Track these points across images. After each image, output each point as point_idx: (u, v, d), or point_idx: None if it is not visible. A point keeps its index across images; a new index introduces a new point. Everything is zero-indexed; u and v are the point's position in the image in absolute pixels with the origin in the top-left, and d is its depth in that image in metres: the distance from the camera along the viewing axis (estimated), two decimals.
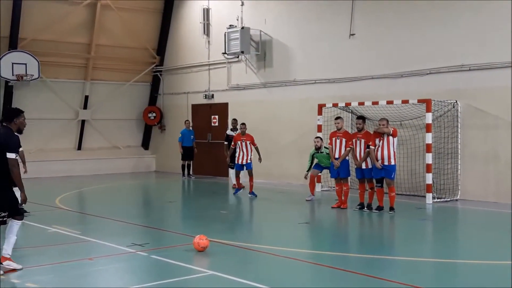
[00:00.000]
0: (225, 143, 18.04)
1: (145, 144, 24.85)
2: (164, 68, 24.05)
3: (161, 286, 7.10)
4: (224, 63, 21.21)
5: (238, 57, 20.45)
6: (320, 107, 16.81)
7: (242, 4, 20.38)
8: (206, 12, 21.81)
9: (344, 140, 13.29)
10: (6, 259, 7.72)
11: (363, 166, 12.87)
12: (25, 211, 8.04)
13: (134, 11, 23.00)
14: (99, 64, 22.92)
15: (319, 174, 15.17)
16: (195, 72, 22.65)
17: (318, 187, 16.02)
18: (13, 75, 19.97)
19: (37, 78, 20.55)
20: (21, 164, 9.97)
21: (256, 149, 15.93)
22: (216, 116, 21.85)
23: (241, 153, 15.69)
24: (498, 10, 14.15)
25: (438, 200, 14.41)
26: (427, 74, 15.47)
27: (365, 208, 12.97)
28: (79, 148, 23.03)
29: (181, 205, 15.87)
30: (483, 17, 14.44)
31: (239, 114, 19.45)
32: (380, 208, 12.76)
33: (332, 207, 13.44)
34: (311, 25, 18.37)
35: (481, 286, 7.16)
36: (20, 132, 7.92)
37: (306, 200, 14.56)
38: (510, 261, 8.15)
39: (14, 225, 7.81)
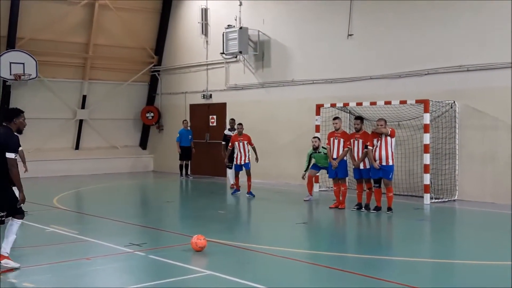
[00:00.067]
0: (223, 143, 18.07)
1: (143, 144, 24.84)
2: (162, 68, 24.04)
3: (159, 286, 7.10)
4: (222, 63, 21.20)
5: (236, 57, 20.45)
6: (318, 107, 16.82)
7: (240, 4, 20.38)
8: (204, 12, 21.81)
9: (342, 140, 13.29)
10: (5, 257, 7.73)
11: (361, 167, 12.88)
12: (23, 211, 8.04)
13: (132, 11, 22.98)
14: (97, 64, 22.90)
15: (317, 174, 15.17)
16: (193, 72, 22.65)
17: (316, 187, 16.02)
18: (11, 74, 19.94)
19: (35, 77, 20.52)
20: (21, 164, 9.98)
21: (253, 149, 15.96)
22: (214, 116, 21.85)
23: (239, 154, 15.72)
24: (496, 11, 14.17)
25: (436, 200, 14.42)
26: (425, 74, 15.49)
27: (363, 209, 12.98)
28: (77, 147, 23.01)
29: (179, 205, 15.86)
30: (480, 18, 14.45)
31: (237, 114, 19.45)
32: (378, 209, 12.78)
33: (330, 207, 13.44)
34: (309, 26, 18.38)
35: (479, 287, 7.17)
36: (20, 132, 7.93)
37: (304, 200, 14.57)
38: (508, 262, 8.16)
39: (14, 224, 7.83)
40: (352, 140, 13.14)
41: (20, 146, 8.16)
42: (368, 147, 12.60)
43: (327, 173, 14.22)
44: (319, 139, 14.63)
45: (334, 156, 13.34)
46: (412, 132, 15.45)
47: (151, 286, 7.12)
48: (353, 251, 9.53)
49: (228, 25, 20.09)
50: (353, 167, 13.23)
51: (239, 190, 16.12)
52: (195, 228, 10.82)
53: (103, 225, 11.69)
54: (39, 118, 21.21)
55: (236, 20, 20.33)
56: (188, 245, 8.90)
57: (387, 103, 15.13)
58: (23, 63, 20.14)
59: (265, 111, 19.64)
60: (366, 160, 12.78)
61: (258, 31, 19.72)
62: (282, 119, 19.12)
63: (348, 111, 16.66)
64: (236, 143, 15.80)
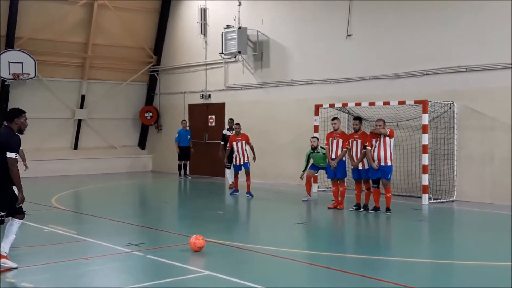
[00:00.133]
0: (222, 143, 18.08)
1: (142, 144, 24.83)
2: (161, 68, 24.03)
3: (157, 286, 7.09)
4: (221, 63, 21.20)
5: (235, 57, 20.45)
6: (317, 107, 16.82)
7: (240, 4, 20.38)
8: (203, 12, 21.81)
9: (340, 140, 13.29)
10: (3, 257, 7.71)
11: (360, 167, 12.88)
12: (23, 211, 8.04)
13: (131, 11, 22.97)
14: (95, 64, 22.90)
15: (315, 174, 15.17)
16: (192, 72, 22.64)
17: (314, 188, 16.02)
18: (9, 74, 19.93)
19: (34, 77, 20.52)
20: (20, 163, 9.97)
21: (251, 148, 15.99)
22: (213, 116, 21.85)
23: (238, 154, 15.73)
24: (495, 11, 14.17)
25: (434, 201, 14.43)
26: (424, 75, 15.49)
27: (362, 209, 12.98)
28: (76, 147, 23.00)
29: (178, 205, 15.86)
30: (479, 18, 14.45)
31: (236, 114, 19.44)
32: (376, 209, 12.78)
33: (329, 208, 13.44)
34: (308, 26, 18.38)
35: (477, 287, 7.17)
36: (21, 132, 7.93)
37: (303, 200, 14.56)
38: (507, 262, 8.16)
39: (15, 224, 7.84)
40: (350, 141, 13.14)
41: (20, 146, 8.16)
42: (367, 147, 12.60)
43: (326, 174, 14.22)
44: (317, 139, 14.62)
45: (333, 157, 13.34)
46: (410, 132, 15.45)
47: (149, 286, 7.12)
48: (351, 252, 9.53)
49: (227, 25, 20.09)
50: (352, 167, 13.23)
51: (237, 191, 16.11)
52: (193, 228, 10.81)
53: (101, 225, 11.69)
54: (38, 117, 21.16)
55: (235, 20, 20.33)
56: (187, 245, 8.89)
57: (386, 103, 15.13)
58: (22, 63, 20.15)
59: (264, 111, 19.64)
60: (365, 160, 12.77)
61: (257, 31, 19.72)
62: (281, 119, 19.12)
63: (347, 111, 16.67)
64: (234, 143, 15.81)
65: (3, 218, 7.71)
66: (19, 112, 7.91)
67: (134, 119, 24.37)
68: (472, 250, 9.52)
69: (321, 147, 14.32)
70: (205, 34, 21.86)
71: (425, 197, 14.22)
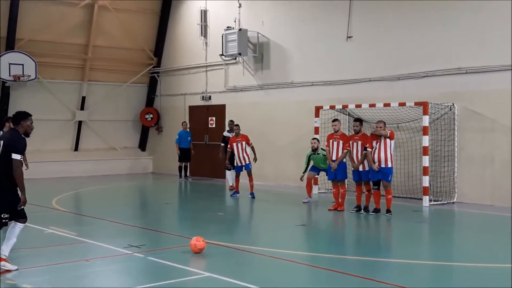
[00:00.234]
0: (222, 144, 18.09)
1: (142, 146, 24.83)
2: (161, 70, 24.04)
3: None
4: (222, 64, 21.21)
5: (235, 58, 20.45)
6: (317, 109, 16.83)
7: (240, 6, 20.39)
8: (204, 13, 21.82)
9: (341, 142, 13.29)
10: (2, 260, 7.72)
11: (360, 169, 12.87)
12: (26, 215, 8.06)
13: (132, 12, 22.99)
14: (96, 65, 22.90)
15: (316, 176, 15.16)
16: (192, 73, 22.65)
17: (315, 189, 16.01)
18: (10, 75, 19.93)
19: (34, 78, 20.53)
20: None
21: (252, 148, 16.00)
22: (213, 118, 21.85)
23: (239, 155, 15.73)
24: (494, 13, 14.17)
25: (435, 202, 14.42)
26: (424, 76, 15.49)
27: (362, 211, 12.98)
28: (76, 149, 23.00)
29: (178, 206, 15.85)
30: (480, 20, 14.45)
31: (236, 116, 19.44)
32: (377, 211, 12.77)
33: (329, 209, 13.44)
34: (308, 27, 18.38)
35: None
36: (27, 135, 8.04)
37: (303, 202, 14.55)
38: (507, 264, 8.16)
39: (17, 228, 7.87)
40: (351, 142, 13.14)
41: (26, 148, 8.22)
42: (367, 149, 12.60)
43: (326, 175, 14.21)
44: (318, 140, 14.61)
45: (333, 158, 13.34)
46: (411, 134, 15.45)
47: None
48: (352, 253, 9.53)
49: (228, 27, 20.10)
50: (352, 169, 13.23)
51: (238, 193, 16.10)
52: (194, 229, 10.81)
53: (102, 226, 11.68)
54: (38, 119, 20.59)
55: (235, 21, 20.34)
56: (187, 247, 8.89)
57: (386, 105, 15.13)
58: (22, 64, 20.15)
59: (264, 113, 19.65)
60: (365, 162, 12.77)
61: (258, 32, 19.73)
62: (281, 121, 19.12)
63: (347, 113, 16.66)
64: (234, 144, 15.81)
65: (6, 221, 7.73)
66: (25, 115, 8.02)
67: (135, 121, 24.38)
68: (472, 252, 9.52)
69: (321, 148, 14.32)
70: (205, 36, 21.87)
71: (426, 199, 14.22)
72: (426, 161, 14.35)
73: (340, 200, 13.37)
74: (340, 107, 16.30)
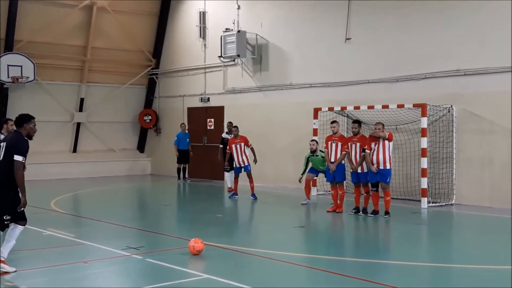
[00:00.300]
0: (221, 146, 18.09)
1: (141, 147, 24.83)
2: (160, 71, 24.04)
3: None
4: (220, 66, 21.21)
5: (234, 60, 20.46)
6: (316, 111, 16.83)
7: (239, 8, 20.41)
8: (203, 15, 21.84)
9: (339, 144, 13.30)
10: (1, 261, 7.71)
11: (359, 170, 12.88)
12: (26, 217, 8.06)
13: (130, 14, 23.00)
14: (95, 67, 22.91)
15: (315, 178, 15.16)
16: (191, 75, 22.66)
17: (313, 191, 16.01)
18: (8, 77, 19.92)
19: (33, 80, 20.51)
20: None
21: (252, 149, 15.99)
22: (212, 120, 21.85)
23: (238, 156, 15.73)
24: (493, 15, 14.19)
25: (433, 204, 14.43)
26: (423, 78, 15.51)
27: (361, 212, 12.98)
28: (75, 150, 22.99)
29: (177, 208, 15.85)
30: (479, 22, 14.47)
31: (235, 117, 19.43)
32: (375, 212, 12.78)
33: (328, 211, 13.44)
34: (307, 29, 18.40)
35: None
36: (30, 137, 8.12)
37: (302, 204, 14.56)
38: (507, 266, 8.17)
39: (17, 230, 7.87)
40: (349, 144, 13.15)
41: (28, 150, 8.24)
42: (366, 150, 12.60)
43: (325, 177, 14.22)
44: (316, 142, 14.63)
45: (332, 160, 13.35)
46: (409, 136, 15.46)
47: None
48: (350, 255, 9.53)
49: (226, 29, 20.11)
50: (351, 171, 13.23)
51: (237, 194, 16.10)
52: (192, 231, 10.81)
53: (100, 228, 11.67)
54: (37, 121, 20.83)
55: (234, 23, 20.35)
56: (186, 249, 8.88)
57: (385, 107, 15.14)
58: (21, 66, 20.13)
59: (263, 115, 19.65)
60: (364, 164, 12.78)
61: (256, 34, 19.74)
62: (280, 123, 19.12)
63: (346, 114, 16.67)
64: (233, 145, 15.81)
65: (7, 222, 7.73)
66: (28, 118, 8.11)
67: (133, 122, 24.37)
68: (471, 253, 9.52)
69: (320, 150, 14.33)
70: (204, 38, 21.88)
71: (424, 200, 14.22)
72: (424, 163, 14.36)
73: (338, 202, 13.38)
74: (339, 108, 16.31)
